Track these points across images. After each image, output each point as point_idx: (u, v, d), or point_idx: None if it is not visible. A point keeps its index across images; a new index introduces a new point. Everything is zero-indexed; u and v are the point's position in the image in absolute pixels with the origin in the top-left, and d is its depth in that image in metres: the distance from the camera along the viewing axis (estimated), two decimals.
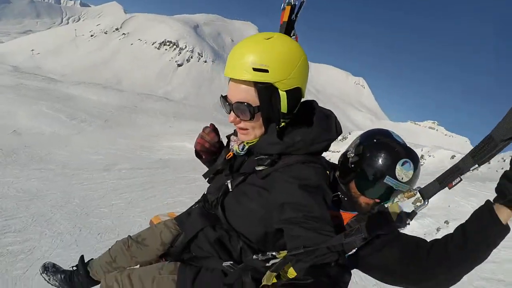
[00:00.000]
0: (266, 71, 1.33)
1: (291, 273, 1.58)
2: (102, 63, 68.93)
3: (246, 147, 1.60)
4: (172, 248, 1.86)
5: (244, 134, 1.55)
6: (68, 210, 8.44)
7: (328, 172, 1.55)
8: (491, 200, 1.17)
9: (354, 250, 1.39)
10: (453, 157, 28.10)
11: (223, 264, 1.57)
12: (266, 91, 1.38)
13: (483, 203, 1.20)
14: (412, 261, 1.39)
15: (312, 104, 1.60)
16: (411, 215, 1.09)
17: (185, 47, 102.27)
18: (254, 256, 1.43)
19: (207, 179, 1.84)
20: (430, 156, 29.26)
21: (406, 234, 1.53)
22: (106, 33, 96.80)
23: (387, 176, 1.62)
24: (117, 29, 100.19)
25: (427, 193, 1.09)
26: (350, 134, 39.63)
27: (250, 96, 1.41)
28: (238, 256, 1.59)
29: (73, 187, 10.54)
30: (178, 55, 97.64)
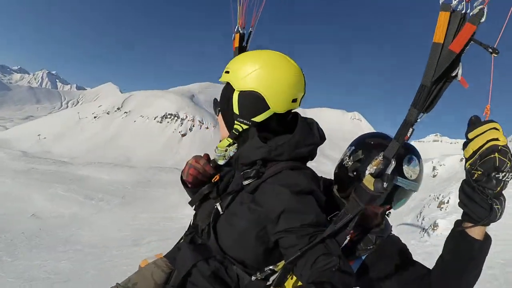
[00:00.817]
0: (228, 72, 1.47)
1: (293, 285, 1.48)
2: (108, 142, 70.39)
3: (225, 153, 1.58)
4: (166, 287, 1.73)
5: (220, 130, 1.63)
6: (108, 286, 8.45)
7: (318, 178, 1.56)
8: (460, 223, 1.20)
9: (347, 239, 1.29)
10: (461, 159, 28.11)
11: None
12: (226, 89, 1.51)
13: (453, 227, 1.24)
14: None
15: (294, 114, 1.59)
16: (385, 178, 1.14)
17: (186, 117, 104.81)
18: (253, 278, 1.41)
19: (193, 207, 1.79)
20: (441, 165, 29.66)
21: (416, 265, 1.55)
22: (108, 114, 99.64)
23: (397, 177, 1.54)
24: (118, 108, 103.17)
25: (390, 153, 1.16)
26: None
27: (220, 95, 1.56)
28: (236, 285, 1.50)
29: (107, 264, 10.64)
30: (181, 125, 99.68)
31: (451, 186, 16.80)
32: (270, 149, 1.42)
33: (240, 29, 2.02)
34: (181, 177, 1.85)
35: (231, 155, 1.56)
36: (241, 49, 2.02)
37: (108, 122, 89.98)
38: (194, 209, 1.79)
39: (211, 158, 1.76)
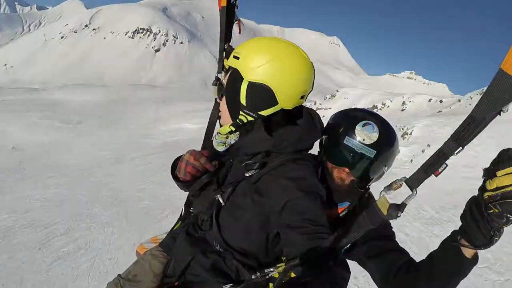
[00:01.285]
0: (238, 58, 1.38)
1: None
2: (78, 62, 67.98)
3: (226, 140, 1.54)
4: (166, 279, 1.78)
5: (221, 116, 1.56)
6: (103, 202, 8.72)
7: (317, 167, 1.57)
8: (456, 236, 1.18)
9: (348, 245, 1.33)
10: (430, 100, 29.39)
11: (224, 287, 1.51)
12: (233, 75, 1.42)
13: (449, 239, 1.23)
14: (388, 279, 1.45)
15: (298, 109, 1.54)
16: (401, 207, 1.09)
17: (159, 31, 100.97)
18: (253, 276, 1.42)
19: (191, 196, 1.78)
20: (410, 101, 30.56)
21: (399, 250, 1.55)
22: (76, 32, 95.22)
23: (346, 136, 1.59)
24: (86, 26, 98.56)
25: (414, 183, 1.08)
26: (338, 92, 40.19)
27: (225, 79, 1.49)
28: (236, 275, 1.52)
29: (95, 184, 10.76)
30: (154, 40, 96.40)
31: (416, 121, 17.61)
32: (275, 142, 1.40)
33: None
34: (171, 170, 1.77)
35: (231, 143, 1.52)
36: (230, 7, 1.86)
37: (76, 41, 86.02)
38: (192, 197, 1.77)
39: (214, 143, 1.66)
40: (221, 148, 1.54)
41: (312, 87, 1.47)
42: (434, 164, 1.04)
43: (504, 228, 1.02)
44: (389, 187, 1.12)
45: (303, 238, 1.22)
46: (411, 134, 14.80)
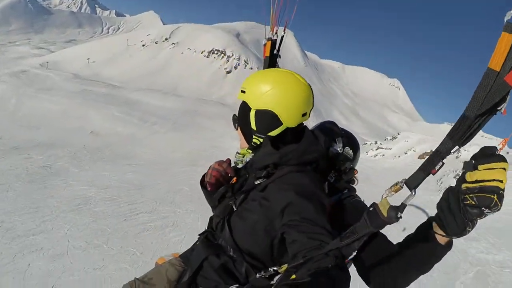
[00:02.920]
0: (244, 92, 1.63)
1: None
2: (156, 71, 71.66)
3: (244, 158, 1.74)
4: (178, 285, 1.84)
5: (240, 141, 1.79)
6: (184, 195, 9.29)
7: (321, 181, 1.61)
8: (431, 222, 1.23)
9: (354, 254, 1.25)
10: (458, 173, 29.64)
11: None
12: (243, 108, 1.67)
13: (424, 225, 1.27)
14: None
15: (303, 127, 1.70)
16: (400, 208, 1.08)
17: (232, 55, 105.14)
18: (258, 275, 1.45)
19: (212, 206, 1.89)
20: (465, 150, 30.84)
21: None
22: (156, 43, 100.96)
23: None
24: (166, 39, 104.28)
25: (412, 183, 1.09)
26: (399, 134, 40.70)
27: (238, 111, 1.73)
28: (244, 279, 1.57)
29: (174, 178, 11.44)
30: (226, 62, 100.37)
31: None
32: (281, 155, 1.55)
33: (272, 36, 2.09)
34: (201, 181, 1.99)
35: (247, 160, 1.72)
36: (272, 57, 2.12)
37: (156, 52, 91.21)
38: (213, 209, 1.87)
39: (232, 162, 1.90)
40: (240, 165, 1.79)
41: (313, 105, 1.67)
42: (431, 163, 1.05)
43: (478, 220, 1.05)
44: (390, 190, 1.13)
45: (302, 236, 1.28)
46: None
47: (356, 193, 1.91)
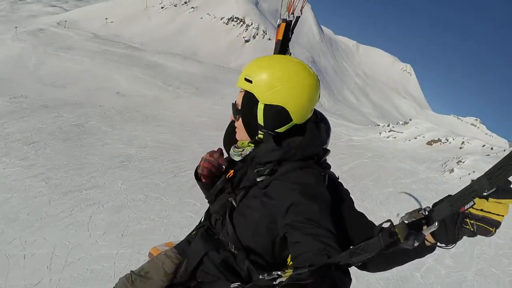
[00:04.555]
0: (250, 81, 1.47)
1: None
2: (175, 34, 71.09)
3: (243, 152, 1.62)
4: (177, 278, 1.84)
5: (237, 132, 1.67)
6: None
7: (323, 174, 1.56)
8: (423, 224, 1.13)
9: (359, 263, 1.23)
10: (483, 146, 30.77)
11: (231, 286, 1.54)
12: (248, 99, 1.52)
13: (415, 223, 1.15)
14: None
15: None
16: (419, 236, 1.02)
17: (251, 24, 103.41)
18: (260, 276, 1.41)
19: (208, 201, 1.84)
20: (468, 143, 32.29)
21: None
22: (175, 6, 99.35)
23: None
24: (185, 2, 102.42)
25: (437, 215, 1.04)
26: (410, 120, 41.36)
27: (240, 100, 1.57)
28: (246, 276, 1.55)
29: (205, 140, 11.89)
30: (245, 31, 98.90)
31: (469, 155, 21.86)
32: (284, 151, 1.47)
33: (288, 17, 1.92)
34: (195, 173, 1.89)
35: (247, 153, 1.60)
36: (285, 41, 1.95)
37: (175, 15, 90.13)
38: (209, 203, 1.83)
39: (225, 153, 1.85)
40: (237, 158, 1.65)
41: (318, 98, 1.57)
42: (462, 200, 0.97)
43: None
44: (410, 214, 1.09)
45: (307, 237, 1.25)
46: (463, 162, 20.27)
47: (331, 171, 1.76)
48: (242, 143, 1.64)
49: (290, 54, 1.93)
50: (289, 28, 1.93)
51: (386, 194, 11.81)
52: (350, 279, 1.17)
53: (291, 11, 1.91)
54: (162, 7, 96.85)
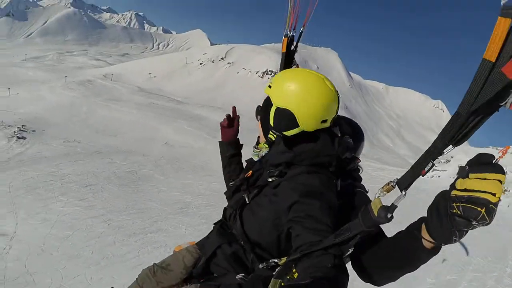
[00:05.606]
0: (270, 86, 1.64)
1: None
2: (214, 88, 73.57)
3: (260, 152, 1.73)
4: (194, 270, 1.92)
5: (259, 134, 1.82)
6: None
7: (334, 181, 1.59)
8: (420, 226, 1.14)
9: (351, 251, 1.26)
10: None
11: (236, 277, 1.63)
12: (266, 101, 1.68)
13: (413, 225, 1.19)
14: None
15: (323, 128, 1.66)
16: (390, 208, 1.06)
17: None
18: (260, 265, 1.55)
19: (226, 197, 1.95)
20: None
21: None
22: (213, 62, 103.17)
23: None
24: (222, 58, 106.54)
25: (403, 184, 1.07)
26: (452, 158, 39.86)
27: (262, 104, 1.74)
28: (252, 269, 1.64)
29: None
30: None
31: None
32: (294, 155, 1.56)
33: (288, 32, 2.15)
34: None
35: (263, 154, 1.72)
36: (289, 53, 2.19)
37: (213, 70, 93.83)
38: (227, 199, 1.93)
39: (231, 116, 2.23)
40: (255, 158, 1.79)
41: (336, 113, 1.63)
42: (421, 164, 1.02)
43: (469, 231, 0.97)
44: (382, 189, 1.11)
45: (306, 231, 1.29)
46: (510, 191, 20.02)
47: (362, 183, 1.85)
48: (261, 144, 1.75)
49: (297, 66, 2.19)
50: (291, 42, 2.18)
51: None
52: (348, 277, 1.19)
53: (292, 27, 2.15)
54: (200, 63, 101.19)
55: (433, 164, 0.99)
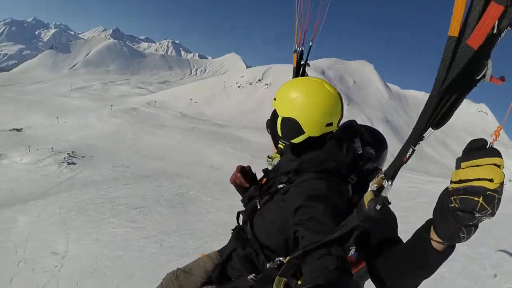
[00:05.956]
0: (275, 99, 1.73)
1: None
2: (253, 110, 74.36)
3: (272, 162, 1.88)
4: (212, 274, 2.00)
5: (272, 145, 1.88)
6: None
7: (341, 188, 1.58)
8: (428, 227, 1.09)
9: (352, 250, 1.26)
10: None
11: (247, 278, 1.72)
12: (273, 113, 1.76)
13: (421, 228, 1.14)
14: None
15: (331, 133, 1.70)
16: (379, 200, 1.06)
17: None
18: (268, 264, 1.62)
19: (243, 205, 2.00)
20: None
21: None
22: (251, 84, 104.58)
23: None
24: (259, 80, 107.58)
25: (389, 174, 1.06)
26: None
27: (270, 117, 1.81)
28: (262, 270, 1.71)
29: None
30: None
31: None
32: (301, 162, 1.61)
33: (297, 48, 2.29)
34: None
35: (275, 163, 1.85)
36: (299, 67, 2.33)
37: (251, 92, 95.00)
38: (244, 206, 1.98)
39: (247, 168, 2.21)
40: (269, 167, 1.90)
41: (341, 115, 1.69)
42: (403, 151, 1.00)
43: (478, 225, 0.92)
44: (373, 181, 1.10)
45: (309, 232, 1.33)
46: None
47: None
48: (274, 155, 1.87)
49: None
50: (301, 56, 2.32)
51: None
52: (352, 276, 1.23)
53: (301, 43, 2.30)
54: (239, 86, 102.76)
55: (414, 150, 0.98)
